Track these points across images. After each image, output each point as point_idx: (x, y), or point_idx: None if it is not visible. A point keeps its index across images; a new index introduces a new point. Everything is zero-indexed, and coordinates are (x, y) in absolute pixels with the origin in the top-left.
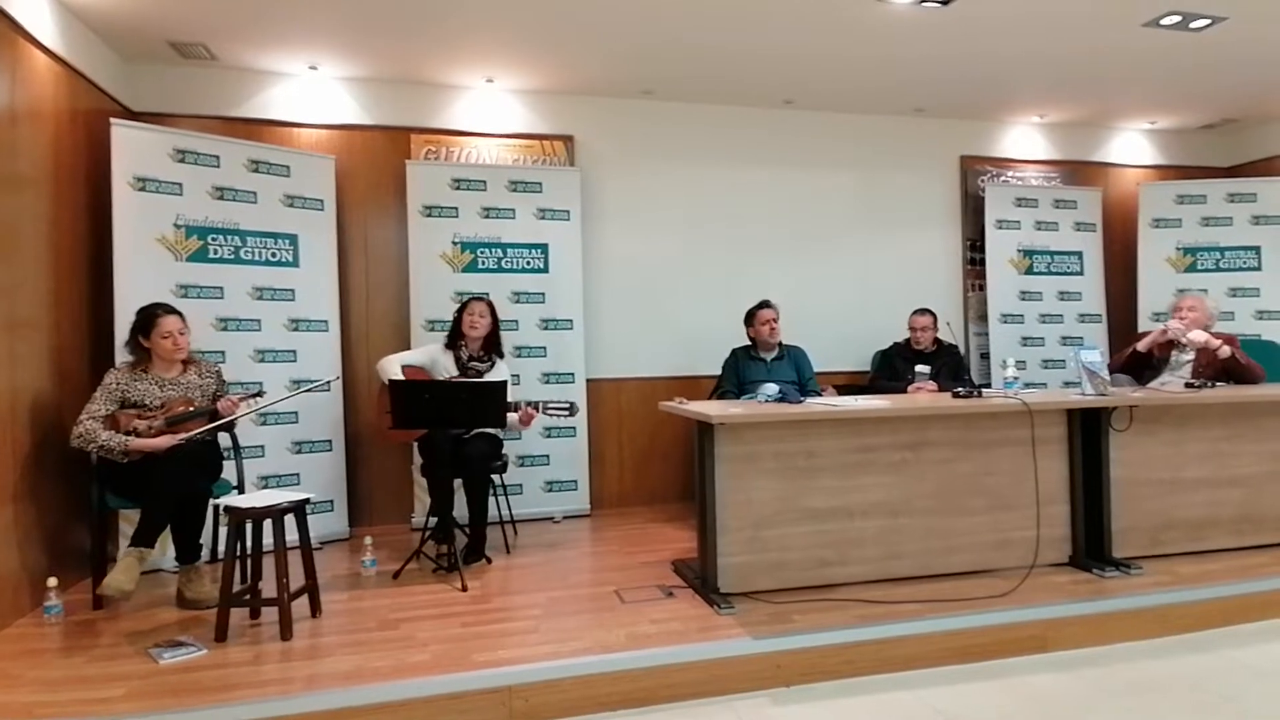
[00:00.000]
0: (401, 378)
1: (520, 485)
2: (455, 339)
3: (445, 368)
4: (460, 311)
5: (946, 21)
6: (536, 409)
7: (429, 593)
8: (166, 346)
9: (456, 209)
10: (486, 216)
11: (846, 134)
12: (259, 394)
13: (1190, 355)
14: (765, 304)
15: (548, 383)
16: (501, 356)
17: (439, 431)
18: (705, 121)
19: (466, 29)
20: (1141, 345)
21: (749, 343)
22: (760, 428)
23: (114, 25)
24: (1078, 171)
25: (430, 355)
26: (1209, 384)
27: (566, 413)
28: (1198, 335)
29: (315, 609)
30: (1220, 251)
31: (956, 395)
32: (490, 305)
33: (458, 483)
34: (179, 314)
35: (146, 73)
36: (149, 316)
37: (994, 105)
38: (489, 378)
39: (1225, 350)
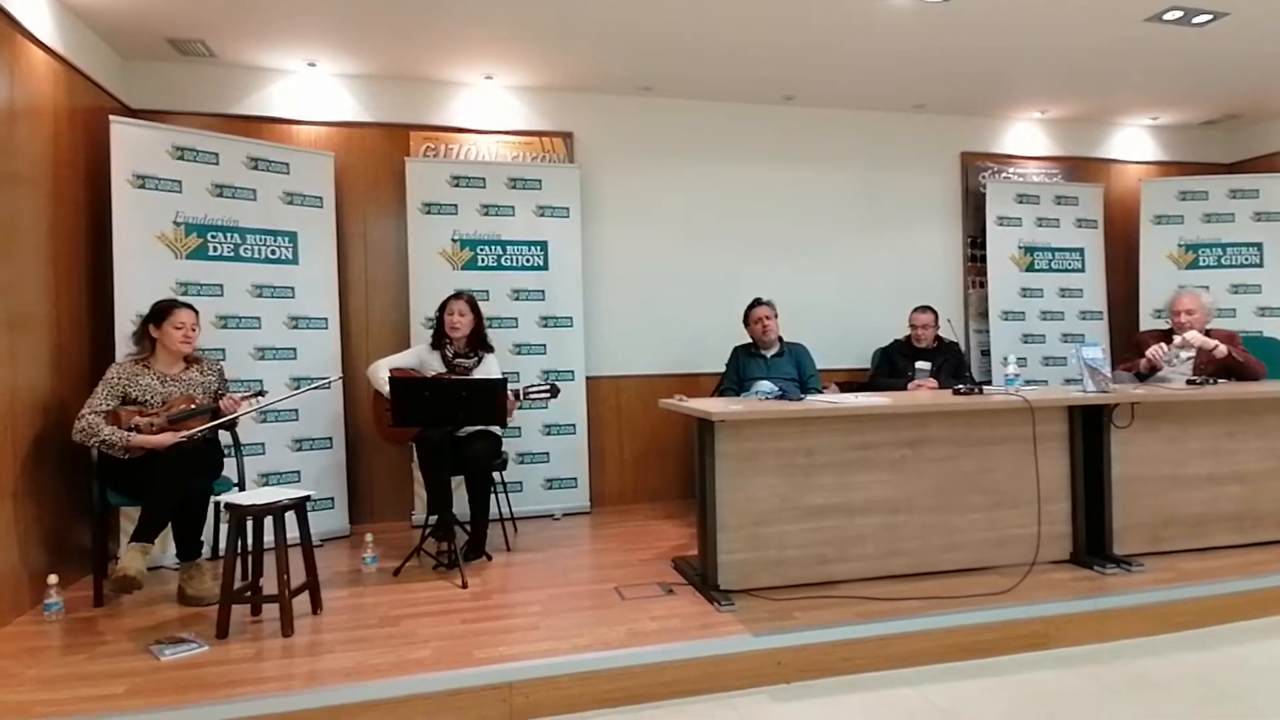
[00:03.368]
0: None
1: (520, 483)
2: (440, 338)
3: (433, 368)
4: (440, 311)
5: (947, 17)
6: (517, 397)
7: (429, 590)
8: (176, 337)
9: (456, 206)
10: (486, 214)
11: (847, 130)
12: (261, 393)
13: (1191, 351)
14: (758, 301)
15: (547, 380)
16: (491, 351)
17: (435, 429)
18: (705, 118)
19: (465, 25)
20: (1141, 368)
21: (751, 340)
22: (761, 425)
23: (113, 22)
24: (1079, 168)
25: (418, 356)
26: (1210, 381)
27: (549, 394)
28: (1194, 336)
29: (316, 606)
30: (1222, 248)
31: (957, 392)
32: (470, 301)
33: (457, 480)
34: (194, 310)
35: (145, 70)
36: (165, 307)
37: (995, 101)
38: (477, 373)
39: (1221, 350)
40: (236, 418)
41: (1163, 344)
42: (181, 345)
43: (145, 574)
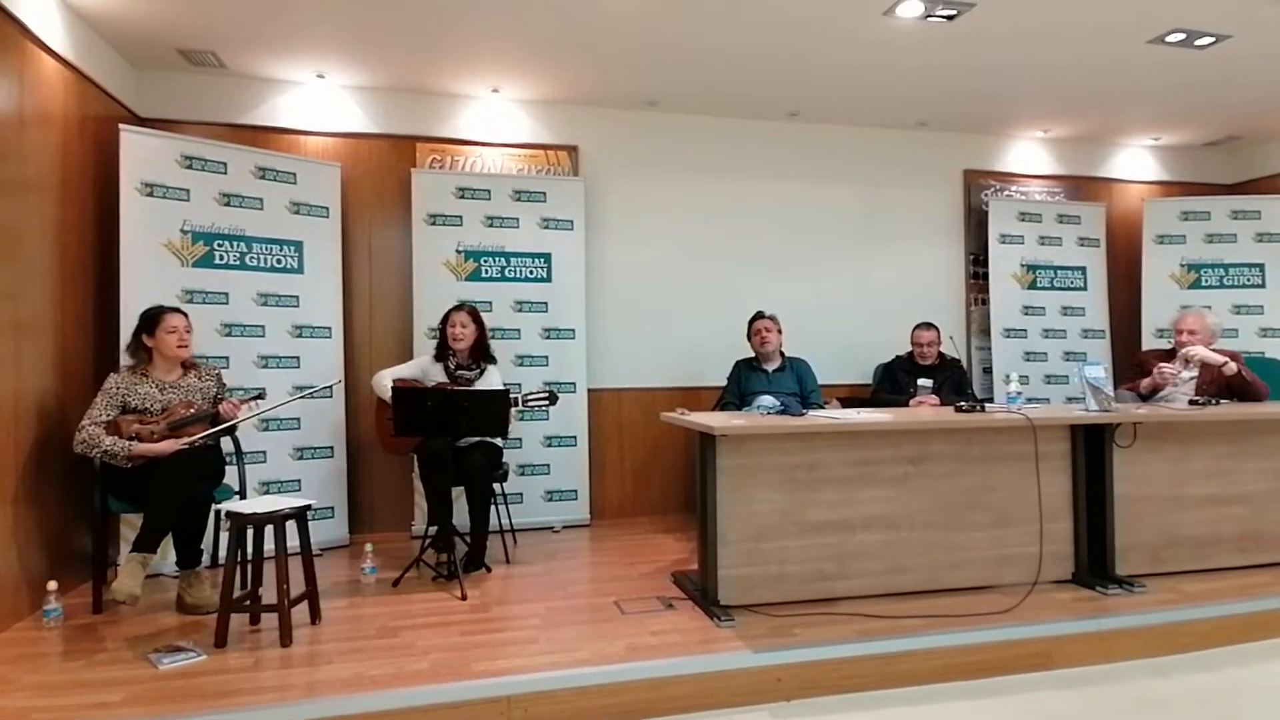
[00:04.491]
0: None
1: (520, 494)
2: (443, 350)
3: (436, 379)
4: (443, 323)
5: (951, 36)
6: (515, 404)
7: (428, 601)
8: (171, 342)
9: (461, 217)
10: (490, 225)
11: (850, 147)
12: (259, 397)
13: (1194, 371)
14: (760, 315)
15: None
16: (493, 362)
17: (437, 439)
18: (709, 133)
19: (473, 39)
20: (1144, 389)
21: (753, 354)
22: (762, 439)
23: (124, 32)
24: (1081, 187)
25: (421, 367)
26: (1213, 401)
27: (547, 401)
28: (1201, 351)
29: (315, 616)
30: (1224, 268)
31: (959, 409)
32: (472, 313)
33: (457, 491)
34: (184, 314)
35: (156, 79)
36: (155, 314)
37: (998, 120)
38: (479, 385)
39: (1231, 367)
40: (237, 423)
41: (1169, 364)
42: (178, 350)
43: (137, 596)
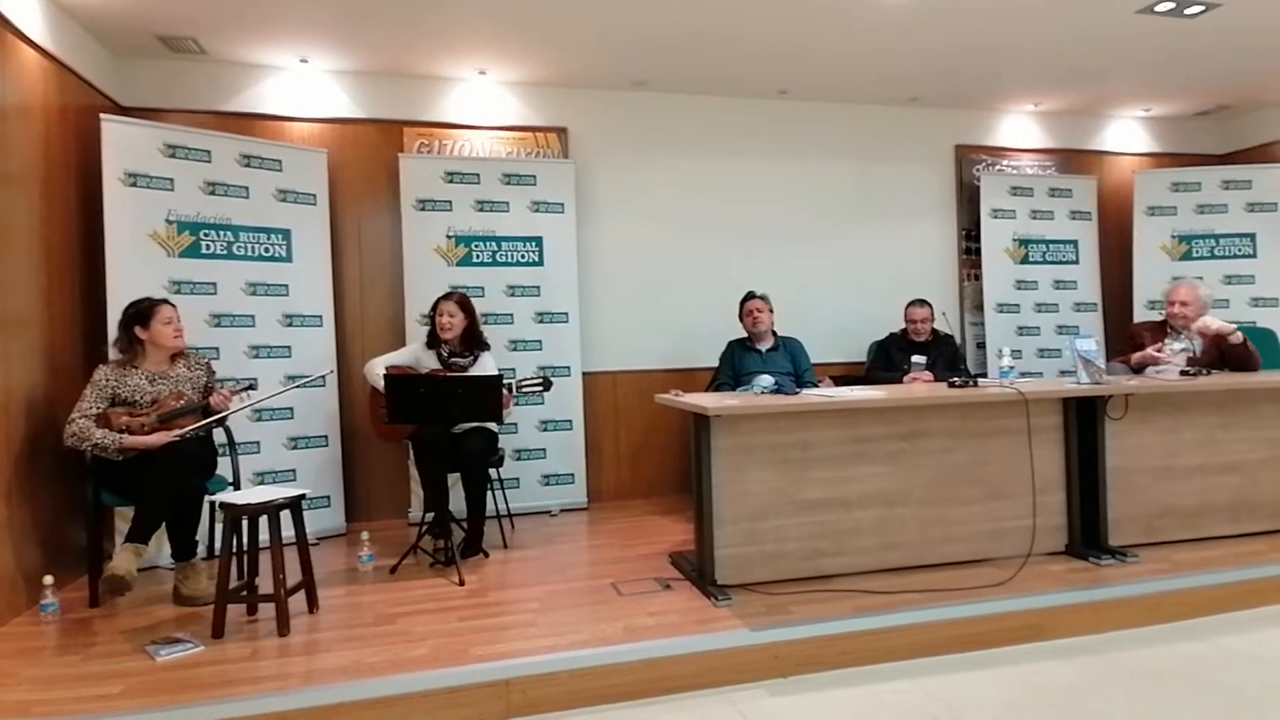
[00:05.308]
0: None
1: (517, 479)
2: (435, 338)
3: (428, 366)
4: (433, 312)
5: (940, 10)
6: (510, 391)
7: (426, 587)
8: (168, 334)
9: (450, 202)
10: (480, 210)
11: (841, 124)
12: (251, 388)
13: (1184, 343)
14: (751, 294)
15: (540, 374)
16: (486, 348)
17: (432, 426)
18: (699, 112)
19: (458, 21)
20: (1135, 362)
21: (746, 334)
22: (756, 419)
23: (103, 20)
24: (1073, 160)
25: (414, 354)
26: (1205, 371)
27: (541, 387)
28: (1208, 321)
29: (312, 604)
30: (1215, 239)
31: (952, 385)
32: (461, 301)
33: (454, 477)
34: (173, 305)
35: (136, 68)
36: (148, 306)
37: (988, 94)
38: (473, 371)
39: (1239, 336)
40: (228, 414)
41: (1166, 341)
42: (175, 340)
43: (135, 575)
